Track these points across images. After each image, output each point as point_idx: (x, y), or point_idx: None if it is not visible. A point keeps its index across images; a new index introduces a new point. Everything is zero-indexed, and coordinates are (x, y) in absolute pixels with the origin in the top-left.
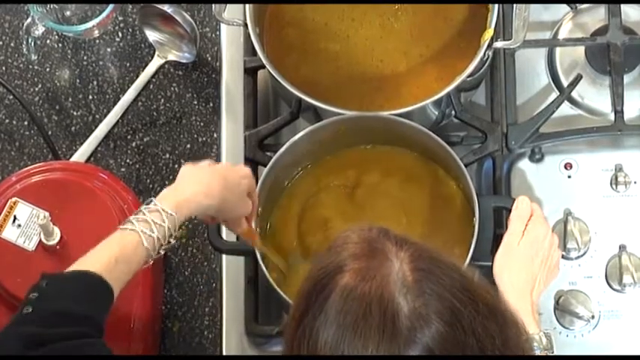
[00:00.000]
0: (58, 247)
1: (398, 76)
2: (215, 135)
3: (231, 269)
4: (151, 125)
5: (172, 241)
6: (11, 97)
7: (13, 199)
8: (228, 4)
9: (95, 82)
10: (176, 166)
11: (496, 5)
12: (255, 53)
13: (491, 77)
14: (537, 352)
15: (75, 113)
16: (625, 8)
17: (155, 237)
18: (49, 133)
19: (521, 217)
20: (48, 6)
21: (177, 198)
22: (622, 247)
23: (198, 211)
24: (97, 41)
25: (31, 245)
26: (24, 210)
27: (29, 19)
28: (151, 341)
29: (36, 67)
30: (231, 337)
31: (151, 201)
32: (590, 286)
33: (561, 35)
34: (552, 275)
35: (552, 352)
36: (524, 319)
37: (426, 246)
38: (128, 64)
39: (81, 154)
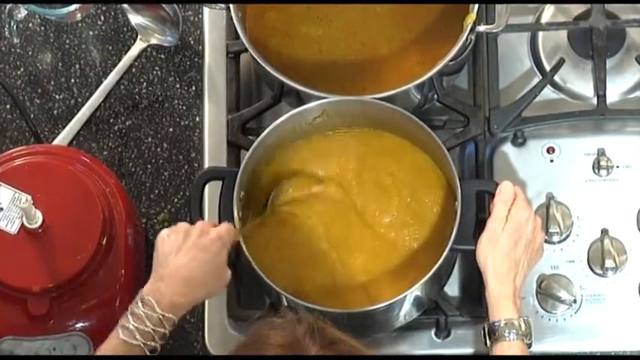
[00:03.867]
0: (40, 230)
1: (380, 60)
2: (197, 119)
3: None
4: (133, 109)
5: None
6: None
7: None
8: None
9: (77, 66)
10: (158, 149)
11: None
12: (237, 37)
13: (474, 61)
14: (514, 338)
15: (57, 97)
16: None
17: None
18: (32, 116)
19: (505, 201)
20: None
21: (169, 299)
22: (604, 232)
23: (189, 307)
24: (80, 24)
25: (13, 229)
26: (6, 193)
27: (11, 3)
28: None
29: (18, 51)
30: (214, 320)
31: (148, 301)
32: (573, 270)
33: (544, 19)
34: (536, 257)
35: (530, 339)
36: (504, 303)
37: (358, 351)
38: (110, 48)
39: (63, 138)
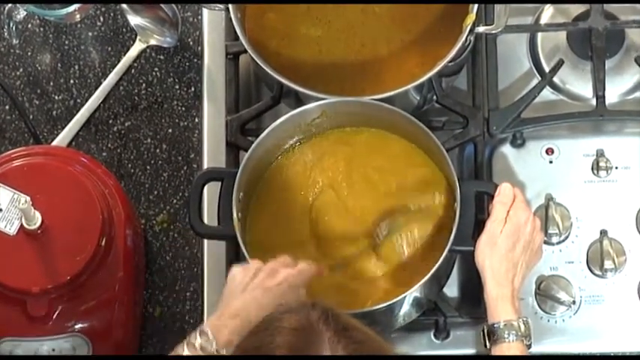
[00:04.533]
0: (39, 231)
1: (379, 61)
2: (197, 120)
3: (213, 254)
4: (132, 110)
5: None
6: None
7: None
8: None
9: (77, 67)
10: (158, 150)
11: None
12: (236, 38)
13: (473, 62)
14: (514, 339)
15: (56, 97)
16: None
17: None
18: (31, 117)
19: (504, 203)
20: None
21: (227, 337)
22: (603, 233)
23: None
24: (79, 25)
25: (12, 230)
26: (5, 194)
27: (10, 4)
28: (133, 326)
29: (17, 52)
30: None
31: (206, 334)
32: (572, 271)
33: (543, 20)
34: (535, 258)
35: (530, 340)
36: (503, 305)
37: (371, 340)
38: (110, 49)
39: (62, 139)
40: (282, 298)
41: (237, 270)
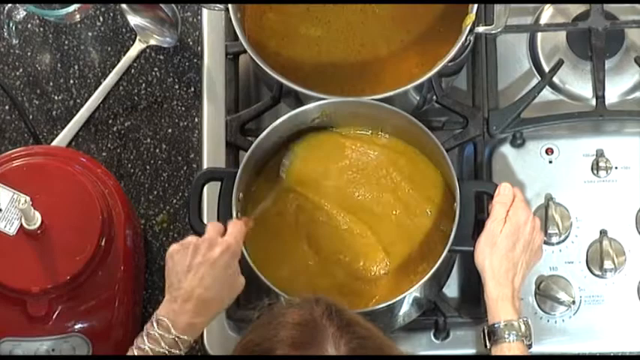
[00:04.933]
0: (39, 231)
1: (379, 61)
2: (196, 120)
3: None
4: (132, 110)
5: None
6: None
7: None
8: None
9: (76, 67)
10: (157, 150)
11: None
12: (236, 38)
13: (473, 62)
14: (515, 339)
15: (56, 97)
16: None
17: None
18: (30, 117)
19: (504, 203)
20: None
21: (185, 320)
22: (603, 233)
23: (207, 325)
24: (79, 25)
25: (12, 230)
26: (5, 194)
27: (10, 4)
28: (132, 326)
29: (17, 52)
30: (213, 322)
31: (163, 322)
32: (571, 271)
33: (543, 20)
34: (535, 258)
35: (530, 340)
36: (503, 305)
37: (374, 336)
38: (109, 49)
39: (62, 139)
40: (228, 267)
41: (175, 249)
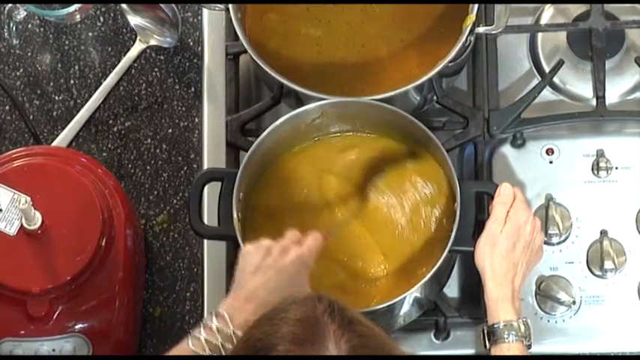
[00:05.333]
0: (39, 232)
1: (379, 62)
2: (197, 120)
3: (213, 254)
4: (132, 110)
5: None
6: None
7: None
8: None
9: (77, 67)
10: (158, 150)
11: None
12: (237, 38)
13: (473, 63)
14: (514, 339)
15: (56, 98)
16: None
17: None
18: (31, 117)
19: (504, 203)
20: None
21: (244, 318)
22: (603, 233)
23: None
24: (79, 26)
25: (12, 230)
26: (5, 194)
27: (10, 4)
28: (133, 326)
29: (17, 52)
30: None
31: (223, 315)
32: (572, 271)
33: (543, 21)
34: (536, 258)
35: (530, 340)
36: (503, 305)
37: (375, 335)
38: (110, 49)
39: (62, 139)
40: (296, 276)
41: (248, 249)
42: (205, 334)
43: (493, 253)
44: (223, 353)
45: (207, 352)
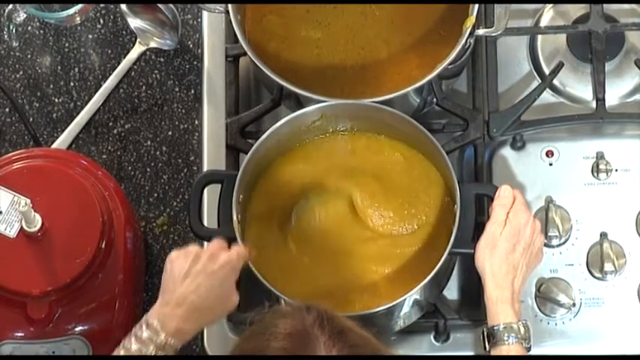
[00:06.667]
0: (39, 234)
1: (379, 64)
2: (196, 122)
3: None
4: (132, 112)
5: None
6: None
7: None
8: None
9: (77, 69)
10: (158, 153)
11: None
12: (236, 40)
13: (473, 65)
14: (514, 341)
15: (56, 100)
16: None
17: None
18: (31, 119)
19: (504, 205)
20: None
21: (174, 325)
22: (603, 235)
23: (194, 333)
24: (79, 28)
25: (12, 232)
26: (5, 197)
27: (10, 6)
28: (132, 328)
29: (17, 54)
30: (213, 324)
31: (152, 325)
32: (572, 273)
33: (543, 23)
34: (536, 260)
35: (529, 342)
36: (502, 307)
37: (366, 343)
38: (110, 51)
39: (62, 141)
40: (225, 281)
41: (175, 255)
42: (136, 344)
43: (493, 255)
44: None
45: None
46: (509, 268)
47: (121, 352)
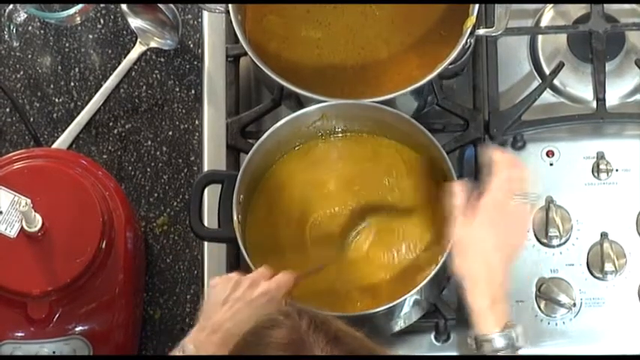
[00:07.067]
0: (39, 234)
1: (379, 64)
2: (197, 122)
3: (213, 256)
4: (132, 112)
5: None
6: None
7: None
8: None
9: (77, 69)
10: (158, 153)
11: None
12: (237, 40)
13: (474, 65)
14: (501, 347)
15: (57, 100)
16: None
17: None
18: (31, 119)
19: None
20: None
21: (210, 351)
22: (603, 235)
23: None
24: (79, 28)
25: (12, 232)
26: (6, 197)
27: (11, 6)
28: (133, 329)
29: (18, 54)
30: None
31: (189, 349)
32: (572, 273)
33: (543, 23)
34: (516, 245)
35: (519, 341)
36: (483, 317)
37: (362, 347)
38: (110, 51)
39: (63, 141)
40: (264, 310)
41: (216, 281)
42: None
43: (465, 268)
44: None
45: None
46: (483, 277)
47: None
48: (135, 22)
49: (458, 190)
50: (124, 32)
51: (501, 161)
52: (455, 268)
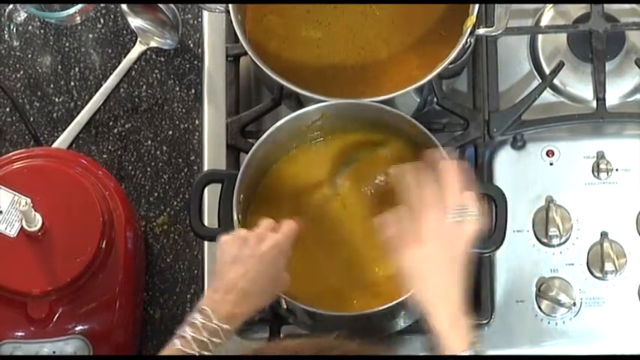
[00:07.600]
0: (39, 233)
1: (379, 64)
2: (197, 122)
3: (213, 256)
4: (132, 112)
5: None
6: None
7: None
8: None
9: (77, 69)
10: (158, 152)
11: None
12: (237, 40)
13: (474, 64)
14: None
15: (57, 100)
16: None
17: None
18: (31, 119)
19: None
20: None
21: (225, 310)
22: (604, 235)
23: (248, 317)
24: (79, 27)
25: (12, 232)
26: (5, 196)
27: (11, 6)
28: (133, 328)
29: (18, 54)
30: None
31: (205, 311)
32: (572, 273)
33: (543, 22)
34: (462, 252)
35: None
36: (445, 340)
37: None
38: (110, 51)
39: (63, 141)
40: (274, 264)
41: (225, 240)
42: (191, 331)
43: (419, 285)
44: (211, 348)
45: (196, 349)
46: (438, 300)
47: (175, 341)
48: (135, 22)
49: (384, 222)
50: (124, 32)
51: (446, 170)
52: (413, 296)
